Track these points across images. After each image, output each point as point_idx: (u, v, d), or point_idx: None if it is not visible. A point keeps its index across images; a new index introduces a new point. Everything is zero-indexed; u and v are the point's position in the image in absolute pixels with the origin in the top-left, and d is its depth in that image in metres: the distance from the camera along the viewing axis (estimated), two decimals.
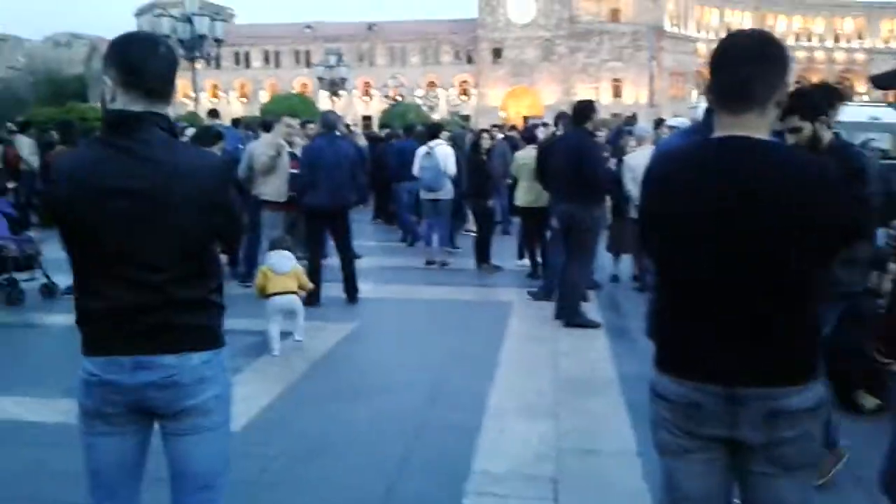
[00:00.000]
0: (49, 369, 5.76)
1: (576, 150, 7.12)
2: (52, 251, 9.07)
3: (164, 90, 2.14)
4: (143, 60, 2.10)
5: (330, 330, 6.91)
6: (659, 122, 14.19)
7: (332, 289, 7.99)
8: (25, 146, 14.85)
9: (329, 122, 7.89)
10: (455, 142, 10.90)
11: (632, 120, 15.19)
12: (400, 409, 4.94)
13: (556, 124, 8.82)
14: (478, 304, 8.23)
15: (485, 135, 10.86)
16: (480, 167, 9.05)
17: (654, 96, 59.02)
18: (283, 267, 6.25)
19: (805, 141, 3.48)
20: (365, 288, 8.22)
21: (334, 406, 4.98)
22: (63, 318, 7.54)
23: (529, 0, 75.92)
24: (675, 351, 1.99)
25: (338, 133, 8.46)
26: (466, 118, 69.36)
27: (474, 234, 10.84)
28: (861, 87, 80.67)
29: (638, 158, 8.61)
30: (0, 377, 5.70)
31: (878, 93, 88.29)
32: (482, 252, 10.02)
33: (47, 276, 8.12)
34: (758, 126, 1.89)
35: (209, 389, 2.18)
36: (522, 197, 8.85)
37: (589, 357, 6.10)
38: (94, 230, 2.07)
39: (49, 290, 8.12)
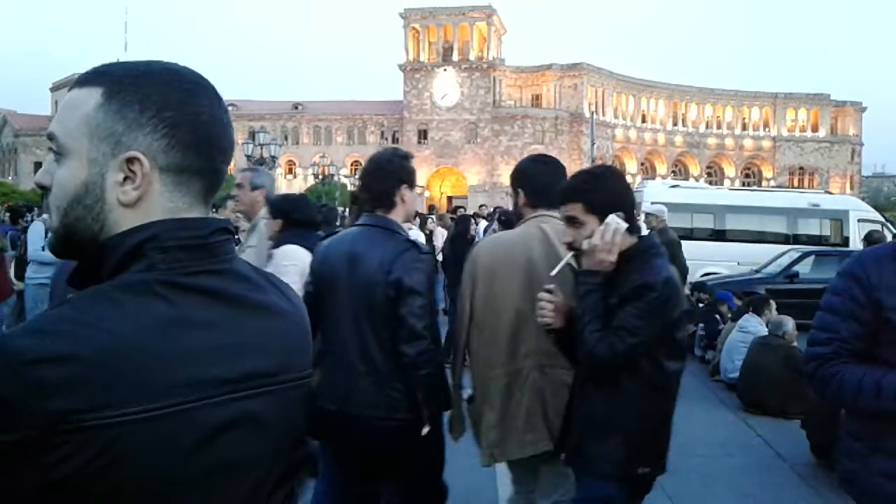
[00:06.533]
0: None
1: None
2: None
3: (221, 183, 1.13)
4: (226, 129, 1.07)
5: None
6: None
7: None
8: None
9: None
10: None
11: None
12: None
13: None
14: None
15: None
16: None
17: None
18: None
19: (582, 241, 2.53)
20: None
21: None
22: None
23: (454, 84, 77.54)
24: None
25: None
26: None
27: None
28: (768, 172, 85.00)
29: None
30: None
31: (784, 178, 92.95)
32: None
33: None
34: None
35: None
36: None
37: None
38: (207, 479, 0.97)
39: None
